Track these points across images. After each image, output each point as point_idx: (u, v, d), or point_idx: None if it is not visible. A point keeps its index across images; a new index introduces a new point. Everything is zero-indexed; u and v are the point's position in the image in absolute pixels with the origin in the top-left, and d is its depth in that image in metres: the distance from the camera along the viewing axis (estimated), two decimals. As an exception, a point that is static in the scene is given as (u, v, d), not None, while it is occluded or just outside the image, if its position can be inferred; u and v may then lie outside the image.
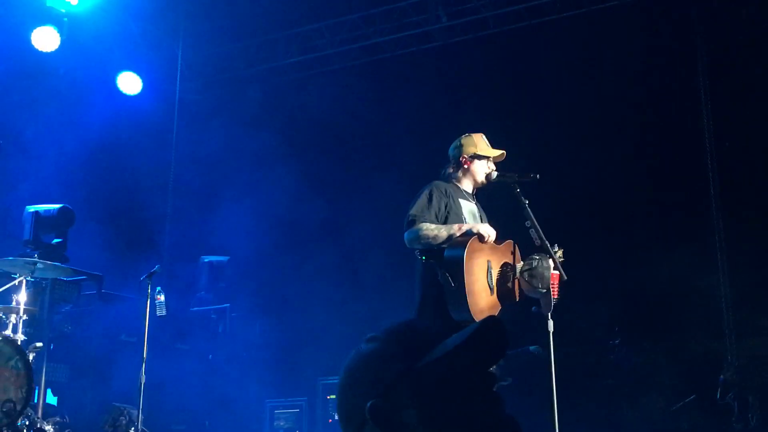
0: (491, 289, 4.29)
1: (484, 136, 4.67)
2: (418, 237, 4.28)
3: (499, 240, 4.44)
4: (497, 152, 4.63)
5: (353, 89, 9.21)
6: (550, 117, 8.20)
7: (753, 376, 6.47)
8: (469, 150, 4.61)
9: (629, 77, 8.15)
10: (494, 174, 4.59)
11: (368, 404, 1.18)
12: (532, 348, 7.65)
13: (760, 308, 7.41)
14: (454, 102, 8.85)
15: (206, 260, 8.28)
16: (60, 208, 6.75)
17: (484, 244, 4.31)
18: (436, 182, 4.56)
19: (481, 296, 4.20)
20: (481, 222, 4.55)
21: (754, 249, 7.49)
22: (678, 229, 7.95)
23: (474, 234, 4.26)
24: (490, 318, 1.23)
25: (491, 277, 4.31)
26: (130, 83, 8.90)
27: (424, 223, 4.29)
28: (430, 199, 4.41)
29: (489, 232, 4.32)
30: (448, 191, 4.51)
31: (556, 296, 4.20)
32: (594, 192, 8.07)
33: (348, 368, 1.28)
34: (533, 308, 7.07)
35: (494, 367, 3.76)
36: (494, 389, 1.24)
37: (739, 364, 6.59)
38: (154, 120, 9.05)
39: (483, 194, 4.76)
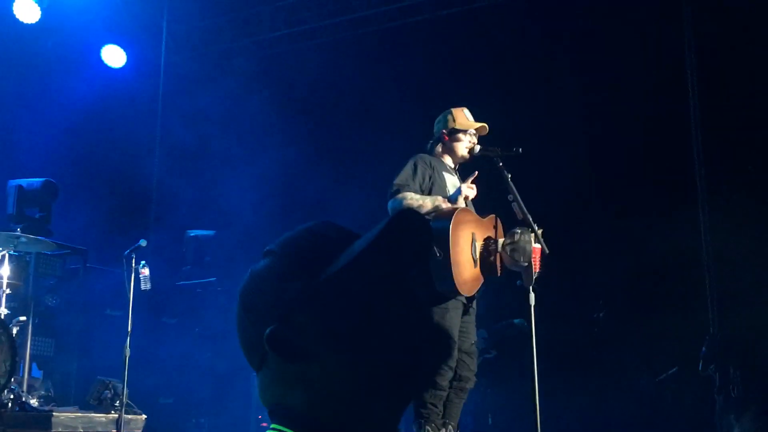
0: (475, 261, 4.31)
1: (466, 110, 4.67)
2: (402, 207, 4.28)
3: (482, 214, 4.46)
4: (477, 125, 4.63)
5: (341, 63, 9.15)
6: (536, 91, 8.18)
7: (734, 349, 6.52)
8: (449, 125, 4.63)
9: (618, 48, 8.13)
10: (477, 148, 4.59)
11: (266, 332, 1.00)
12: (516, 321, 7.71)
13: (743, 282, 7.46)
14: (443, 76, 8.80)
15: (192, 234, 8.25)
16: (43, 182, 6.71)
17: (469, 217, 4.33)
18: (421, 154, 4.57)
19: (466, 268, 4.21)
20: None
21: (738, 224, 7.52)
22: (662, 204, 7.98)
23: (459, 196, 4.30)
24: (402, 210, 1.03)
25: (475, 249, 4.32)
26: (114, 56, 8.81)
27: (408, 193, 4.31)
28: (414, 170, 4.42)
29: (471, 191, 4.37)
30: (432, 164, 4.52)
31: (537, 269, 4.21)
32: (578, 166, 8.08)
33: (242, 292, 1.09)
34: (518, 282, 7.12)
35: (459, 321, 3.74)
36: (415, 295, 1.05)
37: (722, 337, 6.64)
38: (139, 93, 8.98)
39: (465, 169, 4.76)
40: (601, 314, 7.90)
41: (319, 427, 1.00)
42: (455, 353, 4.24)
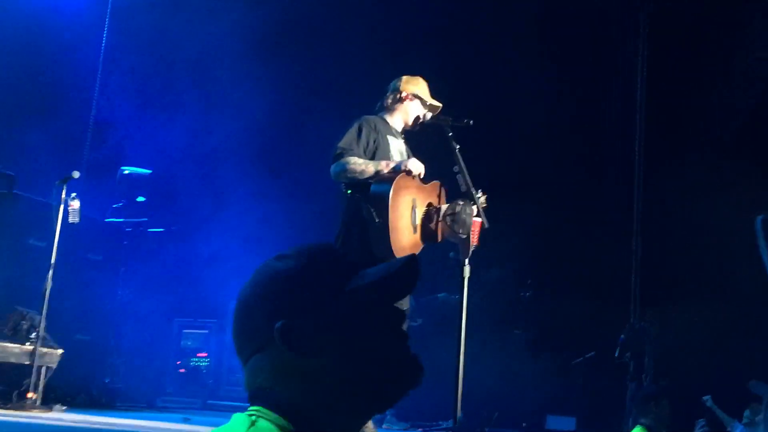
0: (414, 227, 4.31)
1: (427, 85, 4.69)
2: (345, 170, 4.24)
3: (425, 179, 4.45)
4: (436, 103, 4.64)
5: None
6: (493, 65, 8.17)
7: (650, 340, 6.74)
8: (412, 89, 4.60)
9: (571, 30, 8.19)
10: (428, 115, 4.58)
11: (278, 324, 1.13)
12: (440, 295, 7.83)
13: (666, 278, 7.71)
14: (407, 41, 8.66)
15: (126, 172, 8.04)
16: (-26, 101, 6.43)
17: (410, 182, 4.31)
18: (366, 117, 4.52)
19: (404, 234, 4.21)
20: None
21: (671, 222, 7.76)
22: (598, 194, 8.14)
23: (401, 171, 4.25)
24: (413, 257, 1.21)
25: (415, 215, 4.32)
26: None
27: (352, 157, 4.26)
28: (359, 133, 4.37)
29: (418, 167, 4.33)
30: (377, 127, 4.48)
31: (475, 243, 4.23)
32: (522, 146, 8.15)
33: (257, 284, 1.22)
34: (451, 253, 7.19)
35: (407, 305, 3.80)
36: (403, 327, 1.22)
37: (640, 327, 6.86)
38: (85, 13, 8.57)
39: (412, 136, 4.75)
40: (527, 293, 8.05)
41: (301, 417, 1.13)
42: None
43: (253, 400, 1.17)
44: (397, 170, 4.27)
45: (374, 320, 1.17)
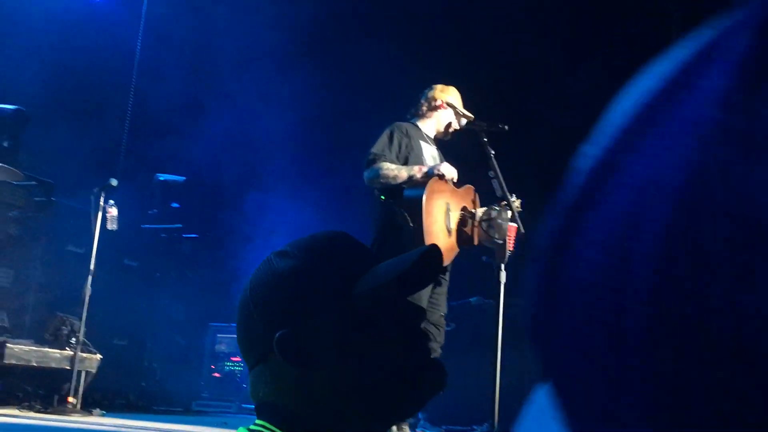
0: (449, 231, 4.32)
1: (459, 95, 4.72)
2: (378, 176, 4.27)
3: (458, 183, 4.47)
4: (469, 114, 4.66)
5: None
6: (530, 67, 8.13)
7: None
8: (446, 97, 4.63)
9: (605, 28, 8.14)
10: (462, 121, 4.60)
11: (277, 335, 1.01)
12: (473, 300, 7.81)
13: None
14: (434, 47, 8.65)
15: (161, 178, 8.14)
16: (14, 110, 6.55)
17: (444, 186, 4.33)
18: (398, 123, 4.57)
19: (439, 238, 4.23)
20: None
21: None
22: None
23: (434, 175, 4.28)
24: (432, 246, 1.07)
25: (450, 219, 4.34)
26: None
27: (384, 163, 4.30)
28: (391, 139, 4.41)
29: (451, 171, 4.35)
30: (409, 132, 4.51)
31: (511, 248, 4.24)
32: (556, 150, 8.09)
33: (255, 287, 1.08)
34: (483, 258, 7.17)
35: (445, 308, 3.78)
36: (422, 326, 1.10)
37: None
38: (120, 20, 8.69)
39: (445, 141, 4.76)
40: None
41: (306, 430, 1.03)
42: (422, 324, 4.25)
43: (259, 413, 1.07)
44: (429, 175, 4.29)
45: (388, 322, 1.04)
